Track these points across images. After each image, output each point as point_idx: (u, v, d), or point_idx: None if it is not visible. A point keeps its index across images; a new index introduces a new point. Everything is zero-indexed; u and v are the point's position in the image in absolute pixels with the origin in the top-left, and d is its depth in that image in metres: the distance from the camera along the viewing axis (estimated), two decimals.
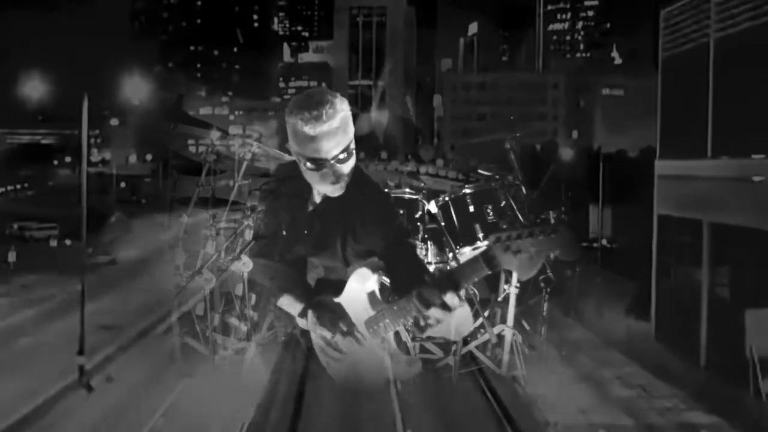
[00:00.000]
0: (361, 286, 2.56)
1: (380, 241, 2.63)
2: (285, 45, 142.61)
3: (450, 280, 2.30)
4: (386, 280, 2.69)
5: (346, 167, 2.64)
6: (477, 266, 2.24)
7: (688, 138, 9.16)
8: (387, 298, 2.59)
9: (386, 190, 6.28)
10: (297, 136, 2.57)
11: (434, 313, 2.30)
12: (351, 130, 2.63)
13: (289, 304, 2.64)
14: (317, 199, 2.75)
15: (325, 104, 2.54)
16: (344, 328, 2.47)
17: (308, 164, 2.60)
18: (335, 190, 2.67)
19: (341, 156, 2.59)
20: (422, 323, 2.35)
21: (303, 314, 2.59)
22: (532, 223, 2.17)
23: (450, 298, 2.28)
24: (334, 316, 2.49)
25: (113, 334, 8.35)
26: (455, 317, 2.34)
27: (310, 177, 2.67)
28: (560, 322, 9.59)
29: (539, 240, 2.10)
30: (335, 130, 2.54)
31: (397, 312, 2.40)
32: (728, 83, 8.39)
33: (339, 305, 2.54)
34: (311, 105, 2.54)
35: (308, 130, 2.51)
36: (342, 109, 2.58)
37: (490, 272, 2.23)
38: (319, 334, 2.55)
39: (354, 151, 2.66)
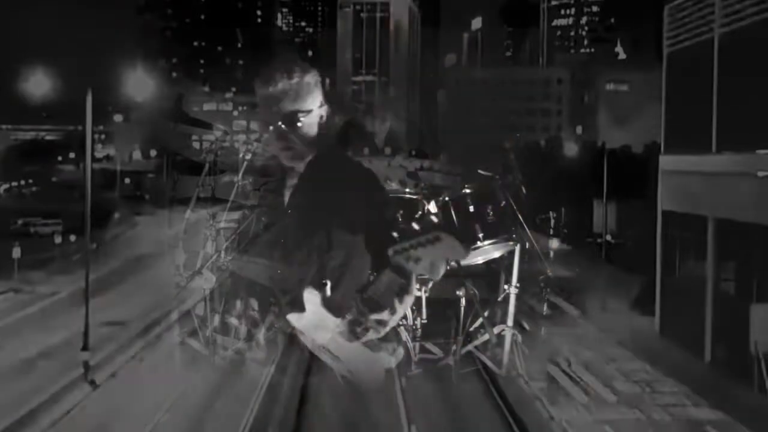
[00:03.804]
0: (315, 306, 2.62)
1: (360, 206, 2.69)
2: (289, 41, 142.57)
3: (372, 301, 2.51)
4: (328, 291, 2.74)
5: (307, 131, 2.72)
6: (390, 278, 2.47)
7: (692, 133, 9.12)
8: (334, 305, 2.64)
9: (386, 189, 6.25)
10: (262, 98, 2.73)
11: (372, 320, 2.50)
12: (317, 96, 2.73)
13: (296, 319, 2.70)
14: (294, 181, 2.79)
15: (290, 67, 2.70)
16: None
17: (270, 126, 2.70)
18: (293, 157, 2.74)
19: (302, 116, 2.68)
20: (359, 330, 2.54)
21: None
22: (417, 235, 2.46)
23: (376, 316, 2.50)
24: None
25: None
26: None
27: (272, 142, 2.76)
28: (565, 317, 9.57)
29: (427, 248, 2.40)
30: (296, 90, 2.68)
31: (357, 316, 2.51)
32: (733, 78, 8.35)
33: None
34: (277, 67, 2.72)
35: (272, 88, 2.67)
36: (307, 74, 2.71)
37: (403, 281, 2.46)
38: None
39: (317, 119, 2.74)
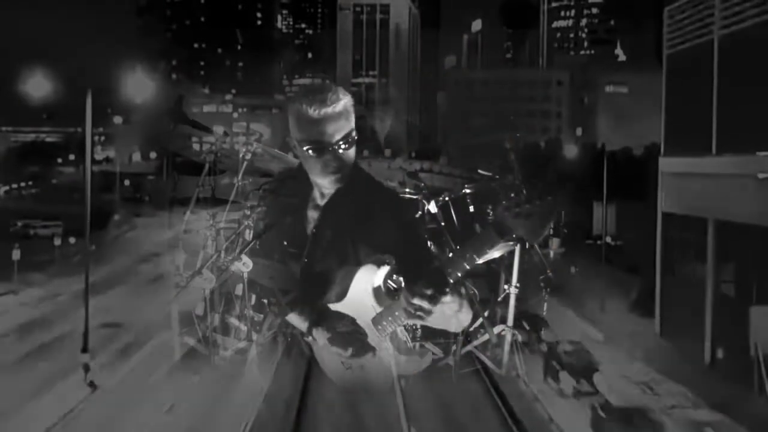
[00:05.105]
0: (366, 284, 2.56)
1: (393, 238, 2.64)
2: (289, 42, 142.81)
3: (448, 268, 2.32)
4: (392, 273, 2.66)
5: (347, 156, 2.68)
6: (488, 236, 2.27)
7: (692, 135, 9.15)
8: (393, 293, 2.57)
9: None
10: (301, 121, 2.63)
11: (419, 302, 2.32)
12: (353, 119, 2.69)
13: (296, 320, 2.67)
14: (320, 201, 2.76)
15: (328, 90, 2.65)
16: (355, 350, 2.51)
17: (311, 151, 2.63)
18: (336, 182, 2.70)
19: (343, 143, 2.64)
20: (411, 311, 2.35)
21: (309, 333, 2.62)
22: (536, 187, 2.21)
23: (435, 290, 2.30)
24: (346, 334, 2.53)
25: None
26: (447, 310, 2.35)
27: (312, 166, 2.70)
28: (564, 319, 9.54)
29: (546, 202, 2.16)
30: (338, 115, 2.61)
31: (401, 307, 2.40)
32: (732, 80, 8.37)
33: (346, 318, 2.56)
34: (316, 90, 2.65)
35: (312, 112, 2.59)
36: (344, 97, 2.66)
37: (501, 241, 2.26)
38: (332, 351, 2.57)
39: (355, 142, 2.71)
